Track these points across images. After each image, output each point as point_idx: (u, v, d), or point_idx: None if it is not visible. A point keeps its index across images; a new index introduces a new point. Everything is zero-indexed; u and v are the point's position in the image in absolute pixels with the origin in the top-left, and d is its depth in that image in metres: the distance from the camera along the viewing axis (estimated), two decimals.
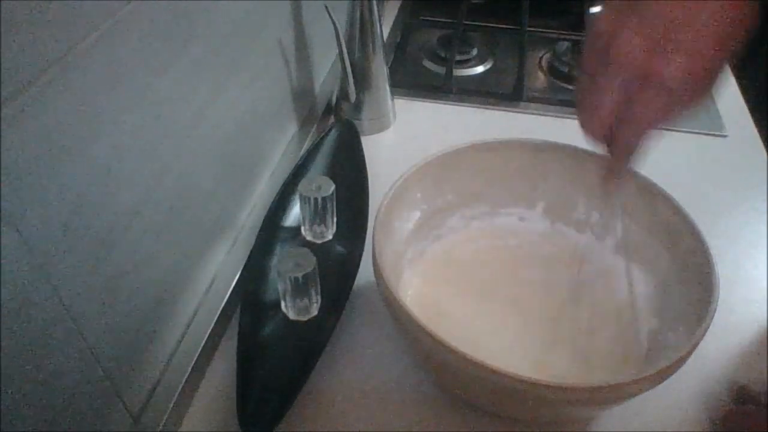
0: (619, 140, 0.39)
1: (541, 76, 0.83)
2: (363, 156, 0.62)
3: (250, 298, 0.49)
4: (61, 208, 0.31)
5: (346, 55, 0.65)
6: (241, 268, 0.52)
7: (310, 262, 0.45)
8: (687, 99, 0.36)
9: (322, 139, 0.63)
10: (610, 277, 0.51)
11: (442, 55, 0.84)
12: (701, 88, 0.36)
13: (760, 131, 0.73)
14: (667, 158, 0.69)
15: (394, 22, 0.92)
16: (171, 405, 0.42)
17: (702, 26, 0.33)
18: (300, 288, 0.45)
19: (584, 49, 0.38)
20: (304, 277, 0.44)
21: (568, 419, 0.45)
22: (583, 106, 0.39)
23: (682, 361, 0.37)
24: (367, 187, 0.58)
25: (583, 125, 0.40)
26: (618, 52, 0.35)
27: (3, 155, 0.26)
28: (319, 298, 0.48)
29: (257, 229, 0.54)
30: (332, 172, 0.59)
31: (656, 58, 0.34)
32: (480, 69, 0.83)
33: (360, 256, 0.52)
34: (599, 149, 0.41)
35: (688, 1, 0.33)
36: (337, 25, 0.61)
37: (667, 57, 0.34)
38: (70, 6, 0.29)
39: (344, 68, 0.66)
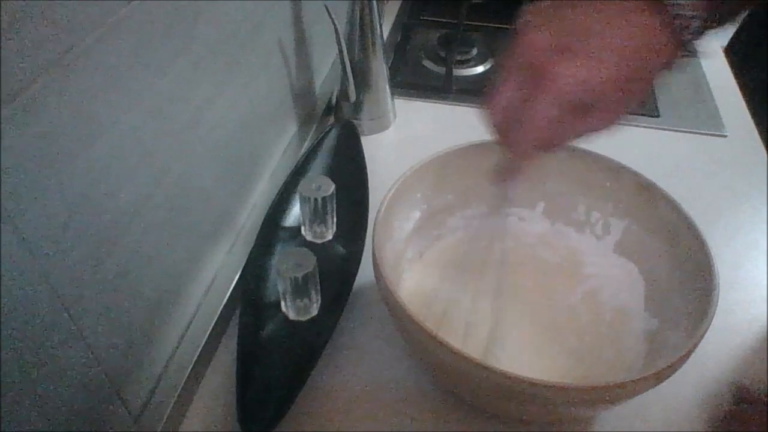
0: (511, 135, 0.39)
1: None
2: (363, 156, 0.62)
3: (250, 298, 0.49)
4: (61, 208, 0.31)
5: (346, 55, 0.65)
6: (241, 268, 0.52)
7: (310, 262, 0.45)
8: (595, 113, 0.35)
9: (322, 139, 0.63)
10: (610, 277, 0.51)
11: (442, 55, 0.84)
12: (603, 103, 0.35)
13: (760, 131, 0.73)
14: (667, 158, 0.69)
15: (394, 22, 0.92)
16: (171, 405, 0.42)
17: (610, 38, 0.33)
18: (300, 288, 0.45)
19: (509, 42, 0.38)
20: (304, 277, 0.44)
21: (568, 419, 0.45)
22: (487, 95, 0.39)
23: (682, 361, 0.37)
24: (367, 188, 0.58)
25: (483, 111, 0.40)
26: (521, 47, 0.35)
27: (3, 155, 0.26)
28: (319, 298, 0.48)
29: (257, 229, 0.54)
30: (332, 172, 0.59)
31: (556, 57, 0.33)
32: (480, 69, 0.83)
33: (360, 256, 0.52)
34: (494, 138, 0.40)
35: (604, 11, 0.33)
36: (337, 25, 0.61)
37: (566, 59, 0.33)
38: (70, 6, 0.29)
39: (344, 68, 0.66)
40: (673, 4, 0.32)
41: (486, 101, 0.39)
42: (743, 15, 0.33)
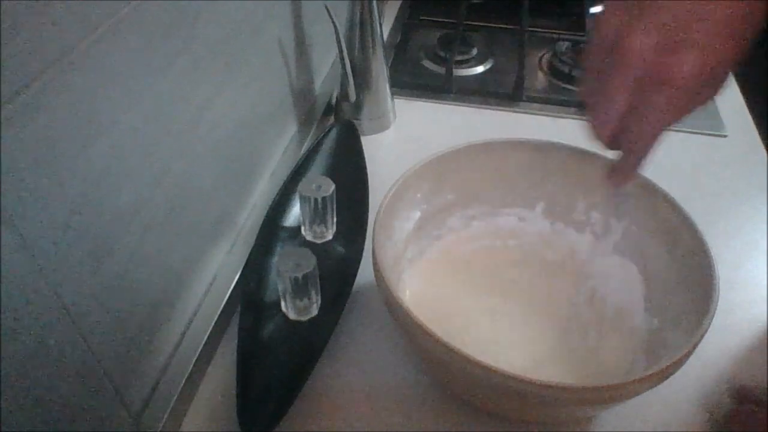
0: (631, 142, 0.39)
1: (541, 76, 0.83)
2: (363, 156, 0.62)
3: (250, 298, 0.49)
4: (61, 208, 0.31)
5: (346, 55, 0.65)
6: (241, 268, 0.52)
7: (310, 262, 0.45)
8: (699, 97, 0.35)
9: (322, 139, 0.63)
10: (610, 277, 0.51)
11: (442, 55, 0.84)
12: (713, 85, 0.35)
13: (760, 131, 0.73)
14: (667, 158, 0.69)
15: (394, 22, 0.92)
16: (171, 405, 0.42)
17: (713, 22, 0.32)
18: (300, 288, 0.45)
19: (589, 50, 0.38)
20: (304, 277, 0.44)
21: (568, 419, 0.45)
22: (592, 108, 0.38)
23: (682, 361, 0.37)
24: (367, 188, 0.58)
25: (592, 128, 0.39)
26: (626, 52, 0.34)
27: (3, 155, 0.26)
28: (319, 298, 0.48)
29: (257, 229, 0.54)
30: (332, 172, 0.59)
31: (666, 56, 0.33)
32: (480, 69, 0.83)
33: (360, 256, 0.52)
34: (607, 151, 0.40)
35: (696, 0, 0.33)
36: (337, 25, 0.61)
37: (678, 55, 0.33)
38: (70, 6, 0.29)
39: (344, 68, 0.66)
40: None
41: (593, 115, 0.39)
42: None
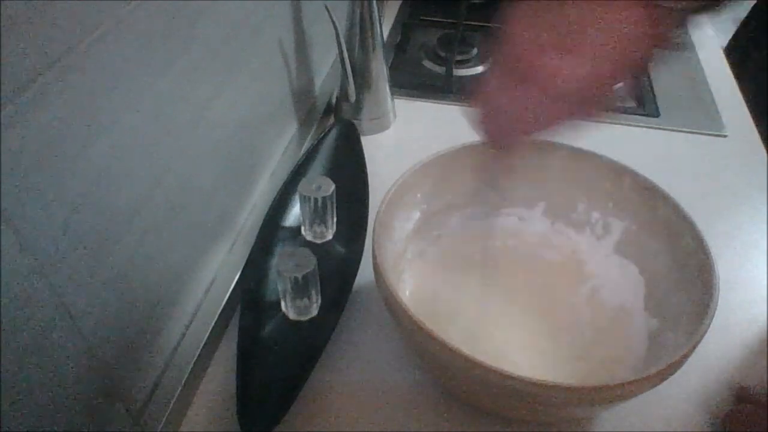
0: (495, 128, 0.39)
1: None
2: (363, 156, 0.62)
3: (250, 298, 0.49)
4: (61, 208, 0.31)
5: (346, 55, 0.65)
6: (241, 268, 0.52)
7: (310, 262, 0.45)
8: (577, 105, 0.35)
9: (322, 139, 0.63)
10: (610, 277, 0.51)
11: (442, 55, 0.84)
12: (585, 96, 0.35)
13: (760, 131, 0.73)
14: (667, 158, 0.69)
15: (394, 22, 0.92)
16: (171, 405, 0.42)
17: (593, 34, 0.32)
18: (300, 288, 0.45)
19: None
20: (304, 277, 0.44)
21: (568, 419, 0.45)
22: (474, 92, 0.40)
23: (682, 361, 0.37)
24: (367, 187, 0.58)
25: (469, 110, 0.40)
26: (508, 43, 0.35)
27: (3, 155, 0.26)
28: (319, 298, 0.48)
29: (257, 229, 0.54)
30: (332, 172, 0.59)
31: (540, 52, 0.34)
32: (480, 69, 0.83)
33: (360, 256, 0.52)
34: (479, 133, 0.41)
35: (589, 7, 0.32)
36: (337, 25, 0.61)
37: (550, 53, 0.33)
38: (70, 6, 0.29)
39: (344, 68, 0.66)
40: None
41: (473, 98, 0.40)
42: (725, 5, 0.33)
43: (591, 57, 0.33)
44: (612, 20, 0.32)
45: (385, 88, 0.70)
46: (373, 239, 0.43)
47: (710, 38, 0.90)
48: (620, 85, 0.35)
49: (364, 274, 0.50)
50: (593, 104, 0.36)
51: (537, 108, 0.35)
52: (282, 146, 0.64)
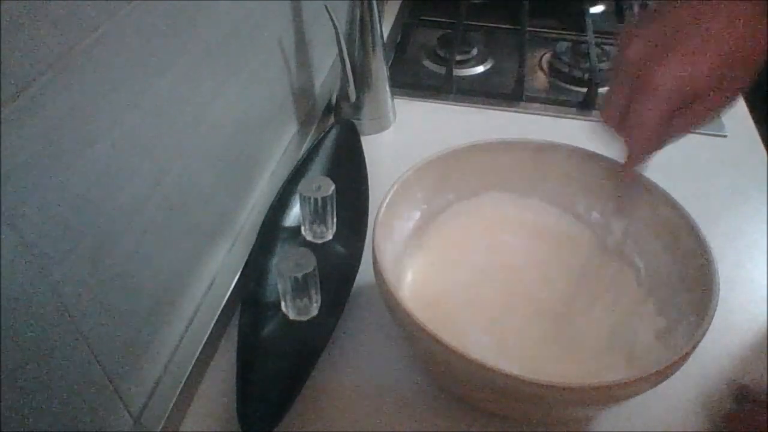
0: (624, 140, 0.41)
1: (541, 76, 0.83)
2: (363, 156, 0.62)
3: (250, 298, 0.49)
4: (61, 208, 0.31)
5: (346, 55, 0.65)
6: (241, 268, 0.52)
7: (310, 262, 0.45)
8: (692, 108, 0.36)
9: (322, 139, 0.63)
10: (611, 277, 0.51)
11: (442, 55, 0.84)
12: (705, 97, 0.36)
13: (760, 131, 0.73)
14: (667, 158, 0.69)
15: (394, 22, 0.92)
16: (171, 405, 0.42)
17: (707, 34, 0.33)
18: (300, 288, 0.45)
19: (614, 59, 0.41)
20: (304, 277, 0.44)
21: (568, 419, 0.45)
22: (604, 103, 0.41)
23: (682, 361, 0.37)
24: (367, 187, 0.58)
25: (601, 114, 0.42)
26: (622, 57, 0.37)
27: (3, 155, 0.26)
28: (319, 298, 0.48)
29: (257, 229, 0.54)
30: (332, 172, 0.59)
31: (650, 63, 0.35)
32: (480, 69, 0.83)
33: (360, 256, 0.52)
34: (616, 142, 0.42)
35: (702, 8, 0.33)
36: (337, 25, 0.61)
37: (665, 58, 0.34)
38: (70, 6, 0.29)
39: (344, 68, 0.66)
40: None
41: (601, 109, 0.42)
42: None
43: (708, 57, 0.34)
44: (726, 19, 0.33)
45: (385, 88, 0.70)
46: (373, 239, 0.43)
47: None
48: (745, 80, 0.36)
49: (364, 274, 0.50)
50: (718, 103, 0.37)
51: (663, 117, 0.36)
52: (282, 146, 0.64)
